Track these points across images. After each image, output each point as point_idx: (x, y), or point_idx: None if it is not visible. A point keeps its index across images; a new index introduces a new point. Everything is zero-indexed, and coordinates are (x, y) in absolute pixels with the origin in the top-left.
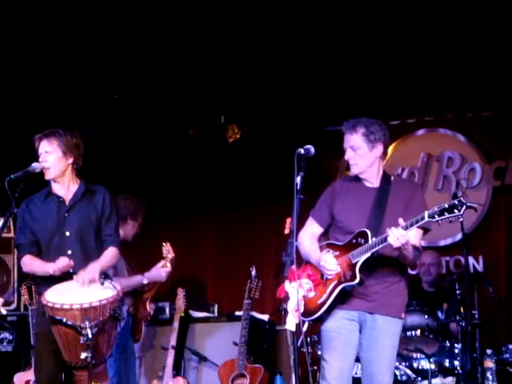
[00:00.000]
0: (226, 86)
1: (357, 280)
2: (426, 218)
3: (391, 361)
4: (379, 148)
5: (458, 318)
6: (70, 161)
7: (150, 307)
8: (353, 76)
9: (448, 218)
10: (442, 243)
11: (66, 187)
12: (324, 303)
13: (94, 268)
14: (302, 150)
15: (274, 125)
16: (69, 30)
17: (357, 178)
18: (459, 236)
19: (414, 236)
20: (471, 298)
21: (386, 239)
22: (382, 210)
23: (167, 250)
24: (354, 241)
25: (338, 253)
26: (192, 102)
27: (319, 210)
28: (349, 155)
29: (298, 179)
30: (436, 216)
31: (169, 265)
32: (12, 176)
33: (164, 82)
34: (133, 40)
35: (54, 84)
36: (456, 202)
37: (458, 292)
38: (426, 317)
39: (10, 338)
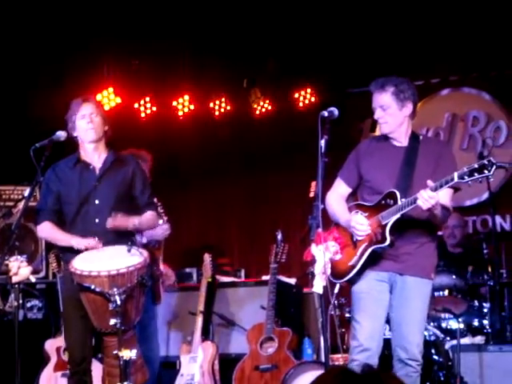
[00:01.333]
0: (249, 49)
1: (387, 242)
2: (456, 179)
3: (421, 321)
4: (409, 107)
5: (485, 277)
6: (106, 127)
7: (163, 267)
8: (376, 37)
9: (478, 178)
10: (468, 203)
11: (98, 154)
12: (355, 265)
13: (131, 219)
14: (325, 113)
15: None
16: None
17: (385, 138)
18: (485, 195)
19: (444, 196)
20: (499, 257)
21: (415, 201)
22: (411, 170)
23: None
24: (383, 202)
25: (367, 214)
26: (216, 67)
27: (347, 170)
28: (378, 114)
29: (322, 142)
30: (466, 177)
31: (161, 221)
32: (37, 144)
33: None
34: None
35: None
36: (486, 162)
37: (485, 251)
38: (454, 277)
39: (40, 305)
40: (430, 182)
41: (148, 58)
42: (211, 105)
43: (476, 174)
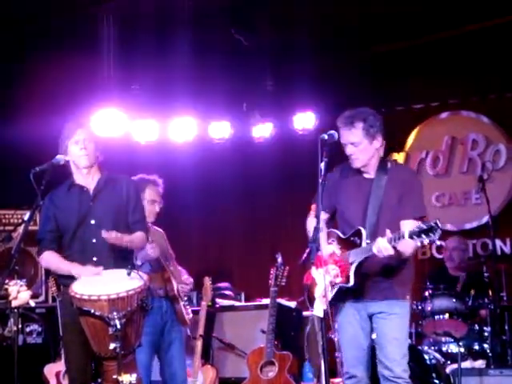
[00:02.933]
0: (248, 72)
1: (351, 283)
2: (406, 237)
3: (402, 341)
4: (379, 140)
5: (486, 300)
6: (98, 153)
7: (174, 282)
8: (375, 60)
9: (423, 240)
10: (468, 226)
11: (90, 177)
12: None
13: (124, 236)
14: (325, 136)
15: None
16: None
17: (354, 168)
18: (485, 218)
19: (405, 245)
20: (499, 281)
21: (371, 249)
22: (378, 204)
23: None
24: (352, 238)
25: (340, 246)
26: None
27: (322, 197)
28: (350, 151)
29: (322, 165)
30: (415, 236)
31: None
32: (37, 168)
33: None
34: None
35: None
36: (433, 225)
37: (485, 275)
38: (454, 300)
39: (39, 329)
40: (388, 233)
41: (148, 82)
42: (211, 129)
43: (423, 236)
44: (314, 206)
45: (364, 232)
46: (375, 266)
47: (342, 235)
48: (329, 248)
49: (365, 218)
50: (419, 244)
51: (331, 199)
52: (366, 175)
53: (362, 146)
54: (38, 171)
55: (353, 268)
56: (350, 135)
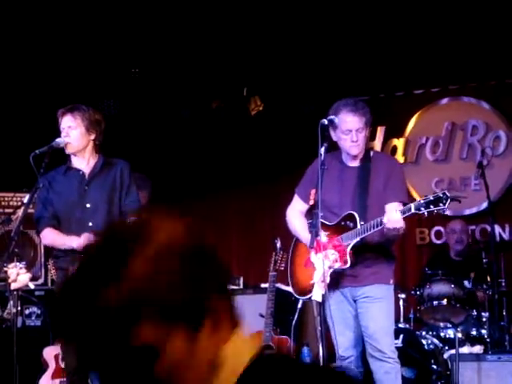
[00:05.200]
0: (249, 57)
1: (348, 264)
2: (413, 210)
3: (389, 325)
4: (370, 129)
5: (484, 286)
6: (92, 137)
7: None
8: (376, 46)
9: (433, 210)
10: (467, 212)
11: (85, 161)
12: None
13: None
14: (325, 121)
15: (297, 96)
16: (90, 4)
17: (338, 156)
18: (484, 205)
19: (394, 208)
20: (498, 267)
21: (381, 223)
22: (365, 191)
23: None
24: (343, 223)
25: (328, 233)
26: (215, 74)
27: (303, 187)
28: (356, 137)
29: (322, 150)
30: (422, 208)
31: None
32: (37, 151)
33: (185, 54)
34: (154, 12)
35: (75, 59)
36: (441, 195)
37: (484, 261)
38: (453, 286)
39: (39, 312)
40: (398, 206)
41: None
42: (211, 113)
43: (432, 207)
44: (313, 191)
45: (356, 215)
46: (366, 249)
47: (328, 222)
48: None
49: (353, 203)
50: (426, 215)
51: (311, 188)
52: (350, 163)
53: (364, 133)
54: (37, 154)
55: (348, 249)
56: (360, 122)
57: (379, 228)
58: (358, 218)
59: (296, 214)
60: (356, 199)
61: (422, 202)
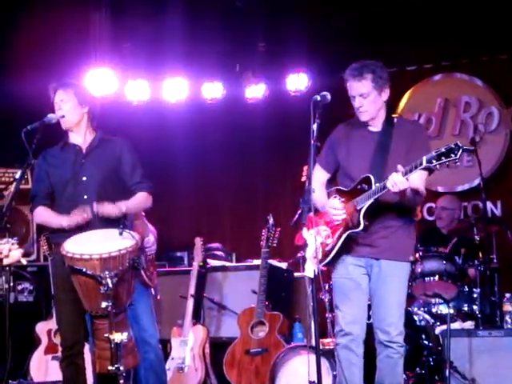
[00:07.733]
0: (241, 33)
1: (361, 226)
2: (425, 163)
3: (400, 304)
4: (386, 91)
5: (476, 262)
6: (86, 109)
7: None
8: (370, 22)
9: (445, 162)
10: (460, 188)
11: (82, 136)
12: (331, 250)
13: (116, 206)
14: (318, 97)
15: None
16: None
17: (359, 123)
18: (477, 181)
19: (416, 179)
20: (489, 243)
21: (385, 185)
22: (385, 154)
23: None
24: (359, 187)
25: (344, 199)
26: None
27: (324, 156)
28: (359, 103)
29: (315, 126)
30: (434, 161)
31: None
32: (29, 127)
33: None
34: None
35: None
36: (453, 146)
37: (476, 237)
38: (444, 262)
39: (31, 288)
40: (400, 167)
41: (140, 41)
42: (203, 89)
43: (443, 158)
44: (305, 168)
45: (372, 178)
46: (383, 217)
47: (344, 188)
48: (333, 202)
49: (372, 167)
50: (438, 167)
51: (332, 157)
52: (371, 128)
53: (370, 97)
54: (29, 130)
55: (362, 212)
56: (360, 86)
57: (384, 191)
58: (373, 181)
59: (316, 184)
60: (375, 164)
61: (434, 154)
